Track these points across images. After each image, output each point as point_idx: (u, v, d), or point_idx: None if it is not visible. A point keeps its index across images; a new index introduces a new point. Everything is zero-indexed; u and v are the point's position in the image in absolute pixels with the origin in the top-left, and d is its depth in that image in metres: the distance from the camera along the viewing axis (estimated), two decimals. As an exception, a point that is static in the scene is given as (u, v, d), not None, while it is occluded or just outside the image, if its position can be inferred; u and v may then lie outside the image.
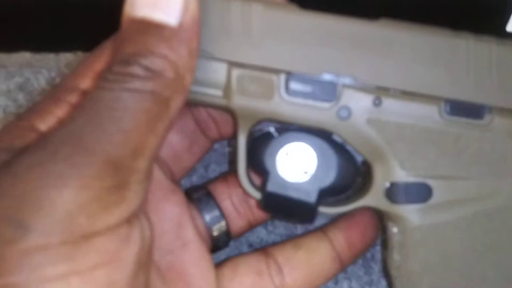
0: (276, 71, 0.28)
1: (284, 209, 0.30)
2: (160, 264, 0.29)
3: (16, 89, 0.41)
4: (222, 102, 0.28)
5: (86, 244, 0.20)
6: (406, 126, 0.29)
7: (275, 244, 0.34)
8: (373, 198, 0.29)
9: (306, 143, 0.29)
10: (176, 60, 0.23)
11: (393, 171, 0.29)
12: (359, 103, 0.28)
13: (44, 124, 0.24)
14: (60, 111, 0.24)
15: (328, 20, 0.28)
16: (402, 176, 0.29)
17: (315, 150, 0.29)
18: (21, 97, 0.41)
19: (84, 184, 0.20)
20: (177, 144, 0.32)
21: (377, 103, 0.28)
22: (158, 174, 0.30)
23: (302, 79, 0.28)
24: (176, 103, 0.23)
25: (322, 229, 0.33)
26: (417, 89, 0.28)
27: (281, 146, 0.29)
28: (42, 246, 0.20)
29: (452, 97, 0.28)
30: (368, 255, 0.37)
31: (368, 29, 0.28)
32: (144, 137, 0.22)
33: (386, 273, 0.32)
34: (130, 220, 0.22)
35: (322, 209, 0.30)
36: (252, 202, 0.33)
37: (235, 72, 0.28)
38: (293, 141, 0.29)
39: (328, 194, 0.30)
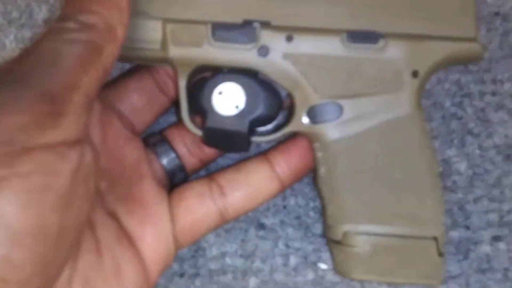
0: (204, 22, 0.32)
1: (223, 141, 0.34)
2: (121, 192, 0.34)
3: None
4: (161, 54, 0.33)
5: (25, 155, 0.24)
6: (316, 57, 0.33)
7: (219, 170, 0.37)
8: (297, 122, 0.34)
9: (235, 82, 0.33)
10: (107, 15, 0.28)
11: (310, 96, 0.33)
12: (274, 41, 0.33)
13: None
14: None
15: None
16: (317, 99, 0.33)
17: (243, 87, 0.33)
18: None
19: (23, 108, 0.24)
20: (136, 100, 0.36)
21: (289, 39, 0.33)
22: (118, 125, 0.35)
23: (226, 26, 0.33)
24: (109, 50, 0.28)
25: (264, 153, 0.36)
26: (321, 25, 0.33)
27: (214, 87, 0.33)
28: None
29: (350, 28, 0.33)
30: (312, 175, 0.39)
31: None
32: (78, 77, 0.26)
33: (316, 187, 0.36)
34: (68, 142, 0.26)
35: (255, 138, 0.34)
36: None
37: (169, 27, 0.32)
38: (223, 81, 0.33)
39: (259, 124, 0.34)
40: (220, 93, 0.33)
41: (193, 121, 0.35)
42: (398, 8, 0.33)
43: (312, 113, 0.33)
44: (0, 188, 0.23)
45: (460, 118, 0.43)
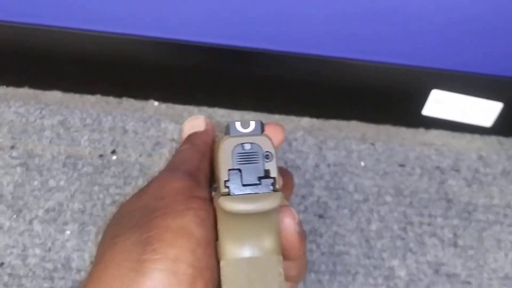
0: None
1: None
2: None
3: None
4: None
5: (193, 198, 0.32)
6: None
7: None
8: None
9: None
10: (203, 137, 0.38)
11: None
12: None
13: None
14: None
15: None
16: None
17: None
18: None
19: (180, 180, 0.33)
20: None
21: None
22: None
23: None
24: (206, 149, 0.37)
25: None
26: None
27: None
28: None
29: None
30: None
31: None
32: (199, 165, 0.36)
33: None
34: (207, 199, 0.33)
35: None
36: None
37: None
38: None
39: None
40: None
41: None
42: None
43: None
44: (185, 214, 0.31)
45: (403, 239, 0.51)
